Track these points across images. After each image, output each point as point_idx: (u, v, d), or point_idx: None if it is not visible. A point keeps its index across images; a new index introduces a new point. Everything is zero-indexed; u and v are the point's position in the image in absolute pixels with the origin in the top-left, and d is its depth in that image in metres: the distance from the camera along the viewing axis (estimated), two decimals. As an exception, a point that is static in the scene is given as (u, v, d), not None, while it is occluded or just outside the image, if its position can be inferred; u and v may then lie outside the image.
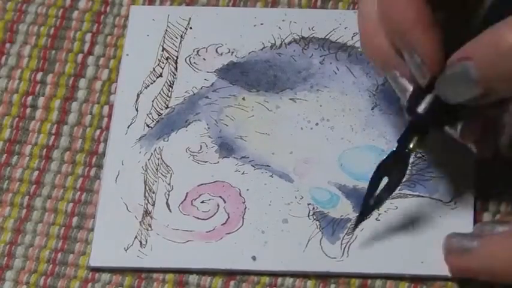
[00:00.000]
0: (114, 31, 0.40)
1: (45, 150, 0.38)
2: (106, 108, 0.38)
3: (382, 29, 0.34)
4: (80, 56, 0.39)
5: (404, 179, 0.36)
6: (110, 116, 0.38)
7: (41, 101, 0.39)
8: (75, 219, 0.37)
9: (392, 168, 0.35)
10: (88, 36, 0.39)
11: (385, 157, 0.35)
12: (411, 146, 0.35)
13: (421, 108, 0.34)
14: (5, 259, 0.36)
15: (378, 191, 0.35)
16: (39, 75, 0.39)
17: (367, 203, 0.35)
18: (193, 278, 0.35)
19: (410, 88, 0.34)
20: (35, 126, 0.38)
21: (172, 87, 0.38)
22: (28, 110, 0.39)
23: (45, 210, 0.37)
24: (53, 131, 0.38)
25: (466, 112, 0.34)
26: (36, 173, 0.37)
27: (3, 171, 0.37)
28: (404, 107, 0.34)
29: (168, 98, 0.38)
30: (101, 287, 0.35)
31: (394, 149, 0.35)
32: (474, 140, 0.34)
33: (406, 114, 0.34)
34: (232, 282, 0.35)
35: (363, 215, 0.35)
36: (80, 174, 0.37)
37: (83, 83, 0.39)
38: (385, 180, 0.35)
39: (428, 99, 0.34)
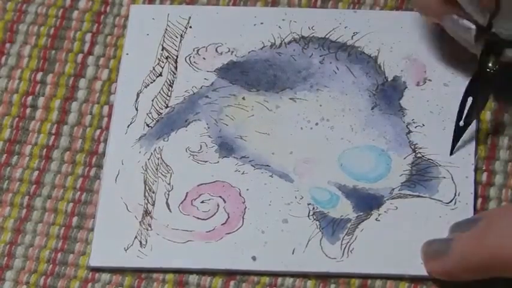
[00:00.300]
0: (114, 31, 0.40)
1: (45, 150, 0.38)
2: (106, 108, 0.39)
3: None
4: (80, 56, 0.39)
5: (404, 180, 0.36)
6: (110, 116, 0.38)
7: (41, 101, 0.39)
8: (75, 219, 0.37)
9: (477, 89, 0.37)
10: (88, 36, 0.40)
11: (470, 79, 0.37)
12: (490, 64, 0.37)
13: (494, 29, 0.36)
14: (5, 259, 0.36)
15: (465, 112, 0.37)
16: (39, 75, 0.39)
17: (458, 124, 0.37)
18: (193, 278, 0.35)
19: (473, 26, 0.36)
20: (35, 126, 0.38)
21: (172, 87, 0.38)
22: (28, 110, 0.39)
23: (45, 210, 0.37)
24: (53, 131, 0.38)
25: None
26: (36, 173, 0.37)
27: (3, 171, 0.37)
28: (474, 34, 0.36)
29: (168, 98, 0.38)
30: (101, 287, 0.35)
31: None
32: None
33: (476, 41, 0.36)
34: (232, 282, 0.35)
35: (457, 136, 0.37)
36: (80, 174, 0.37)
37: (83, 83, 0.39)
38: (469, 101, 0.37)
39: (496, 24, 0.36)
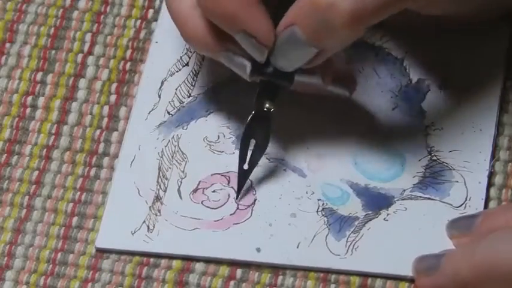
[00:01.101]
0: (114, 31, 0.49)
1: (45, 150, 0.47)
2: (106, 108, 0.48)
3: (197, 13, 0.42)
4: (80, 56, 0.48)
5: (416, 181, 0.45)
6: (110, 116, 0.47)
7: (41, 101, 0.48)
8: (75, 219, 0.45)
9: (257, 130, 0.44)
10: (88, 36, 0.49)
11: (248, 121, 0.44)
12: (267, 105, 0.44)
13: (268, 69, 0.43)
14: (5, 259, 0.44)
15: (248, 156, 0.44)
16: (39, 75, 0.48)
17: (242, 168, 0.44)
18: (193, 278, 0.44)
19: (249, 64, 0.42)
20: (35, 126, 0.47)
21: (196, 77, 0.47)
22: (28, 110, 0.48)
23: (45, 210, 0.46)
24: (53, 131, 0.47)
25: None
26: (36, 173, 0.46)
27: (3, 171, 0.46)
28: (249, 73, 0.43)
29: (191, 87, 0.47)
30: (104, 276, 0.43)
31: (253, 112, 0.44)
32: (333, 79, 0.43)
33: (251, 78, 0.43)
34: (232, 282, 0.44)
35: (241, 181, 0.44)
36: (80, 174, 0.46)
37: (83, 83, 0.48)
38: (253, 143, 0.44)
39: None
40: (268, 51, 0.42)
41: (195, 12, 0.42)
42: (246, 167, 0.44)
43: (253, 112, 0.44)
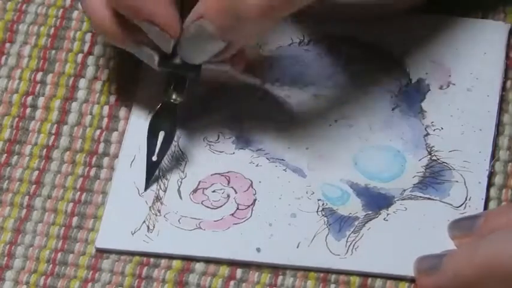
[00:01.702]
0: None
1: (45, 150, 0.47)
2: (106, 108, 0.48)
3: (105, 4, 0.42)
4: (80, 56, 0.49)
5: (416, 181, 0.45)
6: (110, 116, 0.48)
7: (41, 101, 0.48)
8: (75, 219, 0.46)
9: (164, 122, 0.45)
10: (88, 36, 0.49)
11: (155, 111, 0.45)
12: (173, 96, 0.45)
13: (175, 60, 0.43)
14: (5, 259, 0.45)
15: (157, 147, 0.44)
16: (39, 75, 0.48)
17: (150, 159, 0.45)
18: (193, 278, 0.44)
19: (156, 56, 0.43)
20: (35, 126, 0.48)
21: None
22: (28, 110, 0.48)
23: (45, 210, 0.46)
24: (53, 131, 0.47)
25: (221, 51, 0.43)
26: (36, 173, 0.47)
27: (3, 171, 0.46)
28: (157, 63, 0.44)
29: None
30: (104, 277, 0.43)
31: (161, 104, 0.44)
32: (244, 66, 0.44)
33: (158, 69, 0.44)
34: (232, 282, 0.44)
35: (149, 172, 0.45)
36: (80, 174, 0.46)
37: (83, 83, 0.49)
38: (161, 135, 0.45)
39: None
40: (175, 43, 0.43)
41: (103, 2, 0.43)
42: (154, 158, 0.45)
43: (160, 104, 0.45)
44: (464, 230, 0.43)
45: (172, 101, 0.44)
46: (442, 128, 0.46)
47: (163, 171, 0.46)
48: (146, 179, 0.45)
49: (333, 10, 0.46)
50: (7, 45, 0.49)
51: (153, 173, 0.45)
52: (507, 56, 0.48)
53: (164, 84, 0.45)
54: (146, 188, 0.45)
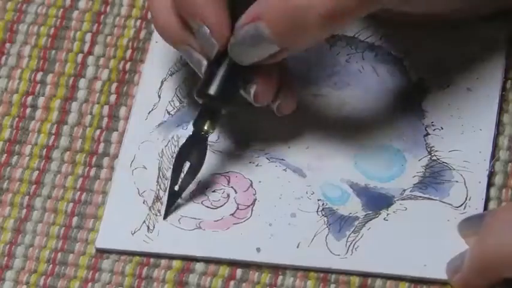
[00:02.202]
0: (114, 31, 0.50)
1: (45, 150, 0.47)
2: (106, 108, 0.48)
3: (170, 4, 0.43)
4: (80, 56, 0.49)
5: (416, 181, 0.46)
6: (110, 116, 0.48)
7: (41, 101, 0.48)
8: (75, 219, 0.46)
9: (192, 153, 0.45)
10: (88, 36, 0.49)
11: (184, 142, 0.45)
12: (205, 128, 0.45)
13: (211, 90, 0.43)
14: (5, 259, 0.45)
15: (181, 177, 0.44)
16: (39, 75, 0.49)
17: (173, 189, 0.45)
18: (193, 278, 0.44)
19: (205, 62, 0.43)
20: (35, 126, 0.48)
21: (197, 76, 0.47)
22: (28, 110, 0.48)
23: (45, 210, 0.46)
24: (53, 131, 0.48)
25: (256, 75, 0.43)
26: (36, 173, 0.47)
27: (3, 171, 0.47)
28: (194, 92, 0.44)
29: (191, 87, 0.47)
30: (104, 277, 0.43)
31: (191, 133, 0.44)
32: (268, 101, 0.44)
33: (196, 97, 0.44)
34: (232, 282, 0.44)
35: (170, 201, 0.45)
36: (80, 174, 0.47)
37: (83, 83, 0.49)
38: (187, 165, 0.44)
39: (216, 80, 0.43)
40: (224, 47, 0.42)
41: (167, 2, 0.43)
42: (176, 188, 0.44)
43: (190, 133, 0.45)
44: (473, 227, 0.44)
45: (203, 133, 0.44)
46: (442, 128, 0.47)
47: (163, 171, 0.46)
48: (166, 208, 0.44)
49: (395, 16, 0.45)
50: (7, 45, 0.49)
51: (174, 202, 0.44)
52: (507, 56, 0.48)
53: (198, 114, 0.44)
54: (165, 217, 0.44)
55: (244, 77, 0.43)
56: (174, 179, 0.44)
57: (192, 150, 0.44)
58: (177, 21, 0.43)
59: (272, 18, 0.41)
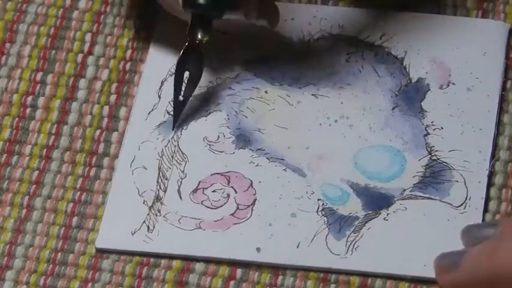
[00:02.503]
0: (114, 31, 0.50)
1: (45, 150, 0.47)
2: (106, 108, 0.48)
3: None
4: (80, 56, 0.49)
5: (416, 181, 0.46)
6: (110, 116, 0.48)
7: (41, 101, 0.49)
8: (75, 219, 0.46)
9: (190, 63, 0.46)
10: (88, 36, 0.50)
11: (181, 52, 0.46)
12: (199, 36, 0.46)
13: (200, 1, 0.45)
14: (5, 259, 0.45)
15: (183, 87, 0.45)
16: (39, 75, 0.49)
17: (177, 99, 0.46)
18: (193, 278, 0.44)
19: None
20: (35, 126, 0.48)
21: None
22: (28, 110, 0.48)
23: (45, 210, 0.46)
24: (53, 131, 0.48)
25: None
26: (36, 173, 0.47)
27: (3, 171, 0.47)
28: (182, 3, 0.45)
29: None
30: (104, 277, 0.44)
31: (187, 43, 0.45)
32: (257, 15, 0.45)
33: (184, 9, 0.45)
34: (232, 282, 0.44)
35: (176, 111, 0.46)
36: (80, 174, 0.47)
37: (83, 83, 0.49)
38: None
39: None
40: None
41: None
42: (181, 98, 0.46)
43: (185, 44, 0.45)
44: (480, 239, 0.43)
45: (197, 41, 0.45)
46: (442, 128, 0.47)
47: (163, 171, 0.46)
48: (174, 118, 0.46)
49: None
50: (7, 45, 0.49)
51: (180, 112, 0.46)
52: (507, 56, 0.48)
53: (190, 24, 0.45)
54: (173, 127, 0.46)
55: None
56: (177, 90, 0.46)
57: (189, 60, 0.46)
58: None
59: None
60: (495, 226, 0.43)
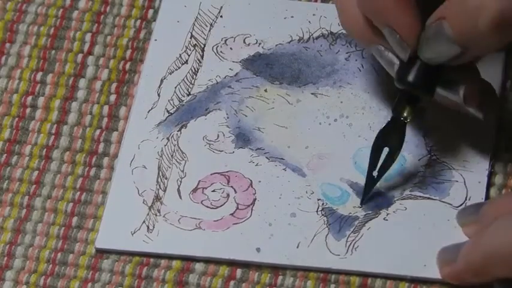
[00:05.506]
0: (114, 31, 0.50)
1: (45, 150, 0.47)
2: (106, 108, 0.48)
3: (359, 7, 0.44)
4: (80, 56, 0.49)
5: (416, 181, 0.45)
6: (109, 115, 0.48)
7: (41, 101, 0.49)
8: (75, 219, 0.46)
9: (391, 138, 0.45)
10: (88, 36, 0.49)
11: (382, 127, 0.45)
12: (405, 114, 0.45)
13: (410, 77, 0.44)
14: (5, 259, 0.45)
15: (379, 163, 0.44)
16: (39, 75, 0.49)
17: (371, 174, 0.45)
18: (193, 278, 0.44)
19: (397, 61, 0.44)
20: (35, 126, 0.48)
21: (196, 75, 0.48)
22: (28, 110, 0.48)
23: (45, 210, 0.46)
24: (53, 131, 0.48)
25: (463, 77, 0.44)
26: (36, 173, 0.47)
27: (3, 171, 0.47)
28: (395, 78, 0.44)
29: (191, 86, 0.48)
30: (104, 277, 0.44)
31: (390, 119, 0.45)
32: (477, 103, 0.44)
33: (396, 84, 0.44)
34: (232, 283, 0.44)
35: (368, 187, 0.45)
36: (80, 174, 0.47)
37: (82, 83, 0.49)
38: (385, 151, 0.45)
39: (415, 68, 0.44)
40: (414, 49, 0.43)
41: (355, 2, 0.44)
42: (375, 173, 0.44)
43: (389, 119, 0.45)
44: (470, 216, 0.44)
45: (402, 118, 0.44)
46: (442, 128, 0.46)
47: (163, 170, 0.46)
48: (364, 193, 0.44)
49: None
50: (7, 45, 0.49)
51: (372, 188, 0.44)
52: (507, 56, 0.48)
53: (397, 100, 0.44)
54: (362, 203, 0.44)
55: (452, 78, 0.44)
56: (372, 164, 0.44)
57: (391, 135, 0.44)
58: (365, 22, 0.43)
59: (453, 17, 0.42)
60: (481, 205, 0.44)
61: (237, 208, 0.45)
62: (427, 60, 0.43)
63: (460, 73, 0.44)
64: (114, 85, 0.48)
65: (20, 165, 0.47)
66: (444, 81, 0.44)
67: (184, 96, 0.48)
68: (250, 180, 0.46)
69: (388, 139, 0.45)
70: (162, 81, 0.48)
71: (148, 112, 0.47)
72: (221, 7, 0.49)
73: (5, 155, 0.47)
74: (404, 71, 0.44)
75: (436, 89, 0.44)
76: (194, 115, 0.47)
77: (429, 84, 0.44)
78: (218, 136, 0.46)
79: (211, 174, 0.46)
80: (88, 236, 0.45)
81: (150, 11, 0.49)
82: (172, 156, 0.46)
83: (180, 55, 0.48)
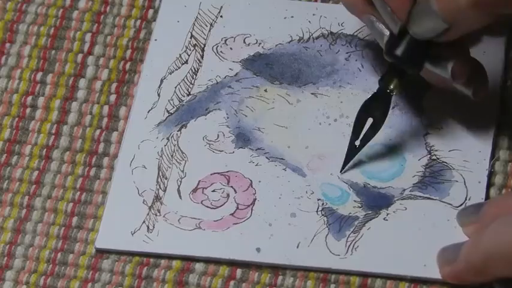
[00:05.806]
0: (114, 31, 0.50)
1: (45, 150, 0.47)
2: (106, 108, 0.48)
3: None
4: (80, 56, 0.49)
5: (416, 181, 0.45)
6: (109, 115, 0.48)
7: (41, 101, 0.49)
8: (75, 219, 0.46)
9: (375, 109, 0.45)
10: (88, 36, 0.50)
11: (368, 97, 0.45)
12: (391, 86, 0.45)
13: (398, 51, 0.44)
14: (5, 259, 0.45)
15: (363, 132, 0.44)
16: (39, 75, 0.49)
17: (353, 143, 0.45)
18: (193, 278, 0.45)
19: (387, 33, 0.44)
20: (35, 126, 0.48)
21: (196, 75, 0.48)
22: (28, 110, 0.48)
23: (45, 210, 0.46)
24: (53, 131, 0.48)
25: (452, 53, 0.44)
26: (36, 173, 0.47)
27: (3, 171, 0.47)
28: (384, 51, 0.44)
29: (191, 86, 0.48)
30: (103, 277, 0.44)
31: (376, 90, 0.45)
32: (465, 80, 0.44)
33: (385, 57, 0.44)
34: (232, 283, 0.44)
35: (349, 156, 0.45)
36: (80, 174, 0.47)
37: (82, 83, 0.49)
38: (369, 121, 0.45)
39: (404, 42, 0.44)
40: (404, 23, 0.43)
41: None
42: (357, 143, 0.45)
43: (375, 91, 0.45)
44: (470, 216, 0.44)
45: (388, 91, 0.44)
46: (442, 128, 0.47)
47: (163, 170, 0.46)
48: (345, 162, 0.45)
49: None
50: (7, 45, 0.50)
51: (353, 157, 0.45)
52: (507, 56, 0.48)
53: (385, 72, 0.45)
54: (342, 170, 0.44)
55: (441, 54, 0.44)
56: (355, 134, 0.44)
57: (376, 106, 0.44)
58: None
59: None
60: (482, 205, 0.44)
61: (237, 208, 0.45)
62: (416, 35, 0.43)
63: (449, 49, 0.44)
64: (114, 85, 0.49)
65: (20, 165, 0.47)
66: (433, 57, 0.44)
67: (184, 96, 0.48)
68: (250, 180, 0.46)
69: (373, 110, 0.45)
70: (162, 81, 0.48)
71: (148, 112, 0.47)
72: (221, 7, 0.49)
73: (5, 155, 0.47)
74: (394, 45, 0.44)
75: (424, 64, 0.44)
76: (194, 115, 0.47)
77: (417, 58, 0.44)
78: (218, 136, 0.46)
79: (211, 174, 0.46)
80: (88, 236, 0.46)
81: (150, 11, 0.50)
82: (172, 156, 0.46)
83: (180, 55, 0.48)
